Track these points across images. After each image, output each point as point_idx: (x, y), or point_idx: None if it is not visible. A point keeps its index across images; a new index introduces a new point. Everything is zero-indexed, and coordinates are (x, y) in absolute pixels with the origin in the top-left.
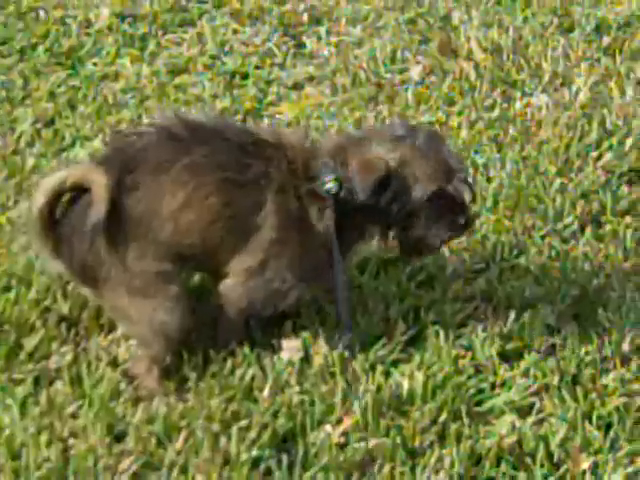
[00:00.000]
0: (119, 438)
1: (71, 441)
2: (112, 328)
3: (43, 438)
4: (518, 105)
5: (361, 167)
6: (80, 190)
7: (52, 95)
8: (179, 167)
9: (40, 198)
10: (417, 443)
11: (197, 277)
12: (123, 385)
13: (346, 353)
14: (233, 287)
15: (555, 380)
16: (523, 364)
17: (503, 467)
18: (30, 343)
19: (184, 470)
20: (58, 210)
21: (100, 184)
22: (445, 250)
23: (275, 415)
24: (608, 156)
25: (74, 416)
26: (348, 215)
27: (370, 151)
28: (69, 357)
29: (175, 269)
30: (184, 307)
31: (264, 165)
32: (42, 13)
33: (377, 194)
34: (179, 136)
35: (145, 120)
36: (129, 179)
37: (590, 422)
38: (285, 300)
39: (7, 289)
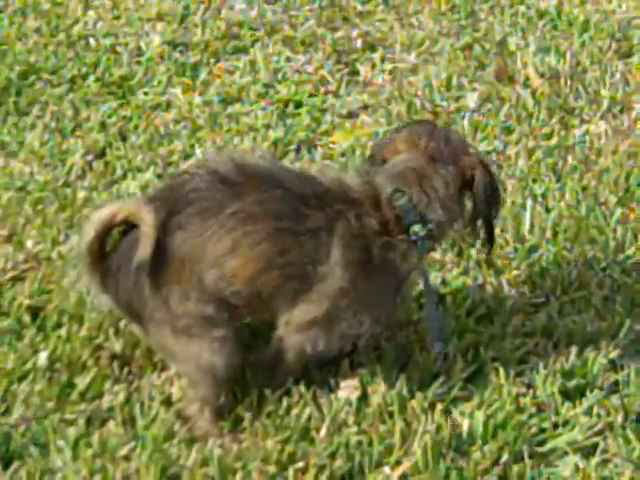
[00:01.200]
0: None
1: None
2: (165, 366)
3: None
4: (577, 133)
5: (485, 178)
6: (130, 225)
7: (103, 126)
8: (227, 213)
9: (90, 231)
10: None
11: None
12: (177, 426)
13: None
14: (295, 336)
15: (619, 419)
16: (586, 402)
17: None
18: (82, 382)
19: None
20: (108, 244)
21: (149, 223)
22: (504, 283)
23: (332, 456)
24: None
25: (127, 458)
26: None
27: (454, 164)
28: (122, 396)
29: (221, 313)
30: (232, 348)
31: (327, 217)
32: (92, 41)
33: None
34: (231, 180)
35: (197, 151)
36: (176, 220)
37: None
38: (353, 341)
39: (58, 326)
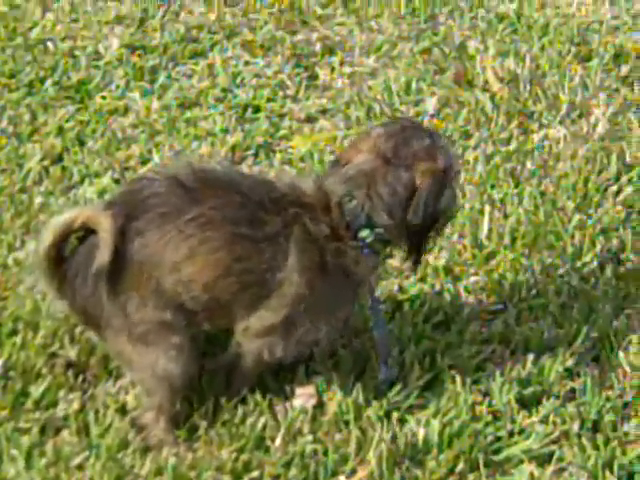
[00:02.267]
0: None
1: None
2: (120, 375)
3: None
4: (536, 138)
5: (430, 182)
6: (88, 231)
7: (60, 130)
8: (185, 219)
9: (48, 237)
10: None
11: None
12: (131, 434)
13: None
14: (253, 342)
15: (575, 427)
16: (542, 410)
17: None
18: (36, 390)
19: None
20: (66, 250)
21: (106, 228)
22: (461, 290)
23: (287, 465)
24: (628, 190)
25: (81, 467)
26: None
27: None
28: (76, 405)
29: (178, 320)
30: (189, 355)
31: (283, 222)
32: (50, 45)
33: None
34: (188, 186)
35: (155, 156)
36: (134, 225)
37: (611, 471)
38: (312, 346)
39: (13, 333)
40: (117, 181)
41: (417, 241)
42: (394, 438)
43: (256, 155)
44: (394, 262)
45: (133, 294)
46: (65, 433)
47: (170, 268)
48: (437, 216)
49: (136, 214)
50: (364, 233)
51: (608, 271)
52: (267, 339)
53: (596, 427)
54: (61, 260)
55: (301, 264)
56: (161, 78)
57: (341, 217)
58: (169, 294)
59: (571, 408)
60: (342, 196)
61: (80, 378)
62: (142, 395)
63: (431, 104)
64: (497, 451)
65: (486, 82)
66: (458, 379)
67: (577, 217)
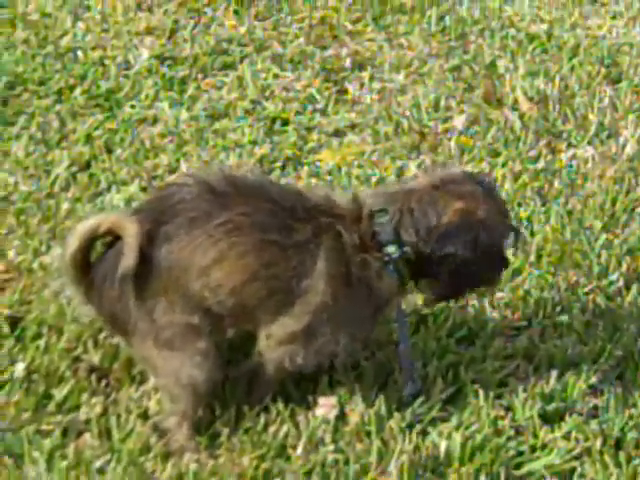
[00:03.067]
0: None
1: None
2: (143, 380)
3: None
4: (564, 157)
5: (461, 219)
6: (114, 236)
7: (89, 138)
8: (214, 224)
9: (74, 242)
10: None
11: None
12: (153, 440)
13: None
14: (276, 349)
15: (597, 444)
16: (564, 426)
17: None
18: (59, 394)
19: None
20: (93, 255)
21: (131, 233)
22: (486, 306)
23: (308, 474)
24: None
25: (102, 471)
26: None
27: (450, 201)
28: (98, 409)
29: (205, 324)
30: (213, 362)
31: (313, 230)
32: (80, 54)
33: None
34: (219, 191)
35: (183, 166)
36: (163, 230)
37: None
38: (331, 358)
39: (37, 337)
40: (144, 189)
41: (440, 276)
42: (416, 450)
43: (284, 167)
44: None
45: (160, 299)
46: (87, 436)
47: (198, 272)
48: (461, 260)
49: (165, 219)
50: (391, 249)
51: (634, 290)
52: (289, 347)
53: (619, 445)
54: (88, 265)
55: (328, 272)
56: (190, 89)
57: (369, 228)
58: (196, 299)
59: (594, 425)
60: (375, 209)
61: (103, 382)
62: (165, 400)
63: (460, 121)
64: (519, 466)
65: (515, 101)
66: (481, 393)
67: (604, 236)
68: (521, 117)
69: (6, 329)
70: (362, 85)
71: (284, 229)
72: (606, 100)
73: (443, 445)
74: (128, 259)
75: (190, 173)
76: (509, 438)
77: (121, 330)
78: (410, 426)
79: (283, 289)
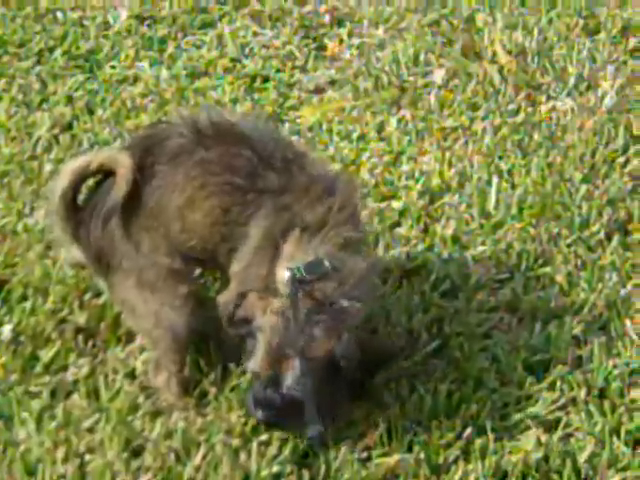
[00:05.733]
0: (137, 453)
1: (88, 457)
2: (130, 339)
3: (59, 453)
4: (543, 109)
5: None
6: (103, 174)
7: (69, 99)
8: (192, 162)
9: (64, 180)
10: (441, 459)
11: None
12: (141, 399)
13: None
14: (223, 296)
15: (582, 394)
16: (549, 377)
17: None
18: (46, 355)
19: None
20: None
21: (125, 165)
22: (469, 259)
23: None
24: (635, 162)
25: (91, 430)
26: None
27: None
28: (86, 369)
29: (187, 268)
30: (193, 309)
31: (278, 183)
32: (60, 15)
33: None
34: (204, 132)
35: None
36: (149, 166)
37: (618, 437)
38: None
39: (23, 299)
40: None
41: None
42: (402, 404)
43: None
44: (402, 230)
45: (145, 238)
46: (75, 397)
47: (174, 213)
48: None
49: (152, 155)
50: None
51: (615, 241)
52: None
53: (603, 394)
54: (76, 205)
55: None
56: (170, 48)
57: None
58: (176, 241)
59: (578, 375)
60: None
61: (90, 343)
62: (151, 358)
63: (439, 76)
64: (505, 417)
65: (494, 54)
66: (466, 346)
67: (584, 188)
68: (500, 70)
69: None
70: (341, 41)
71: (252, 175)
72: (584, 52)
73: (429, 398)
74: (119, 190)
75: (180, 113)
76: (494, 390)
77: (105, 269)
78: (396, 380)
79: (235, 235)
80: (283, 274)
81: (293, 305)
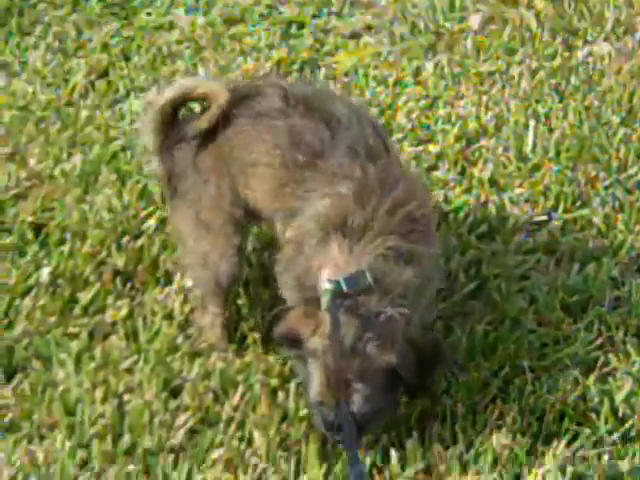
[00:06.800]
0: (175, 394)
1: (126, 397)
2: (168, 282)
3: (98, 394)
4: (580, 54)
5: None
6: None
7: (106, 46)
8: (269, 126)
9: (169, 94)
10: (478, 399)
11: None
12: (180, 340)
13: None
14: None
15: (620, 334)
16: (587, 318)
17: (566, 423)
18: (85, 297)
19: (241, 426)
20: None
21: (220, 102)
22: (506, 202)
23: None
24: None
25: (129, 371)
26: None
27: None
28: (124, 311)
29: (246, 221)
30: (239, 258)
31: (343, 173)
32: None
33: None
34: (291, 102)
35: (200, 71)
36: (234, 116)
37: None
38: None
39: (61, 243)
40: None
41: None
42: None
43: (301, 70)
44: (439, 173)
45: (213, 179)
46: (113, 338)
47: (241, 170)
48: None
49: (239, 107)
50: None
51: None
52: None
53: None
54: (171, 122)
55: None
56: None
57: None
58: (240, 195)
59: (616, 316)
60: None
61: (128, 285)
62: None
63: (476, 21)
64: (542, 357)
65: (531, 0)
66: (503, 287)
67: (622, 131)
68: (537, 15)
69: (30, 235)
70: None
71: (317, 155)
72: None
73: (465, 339)
74: (203, 122)
75: (277, 77)
76: (532, 330)
77: (172, 191)
78: (433, 321)
79: (291, 207)
80: (324, 282)
81: (334, 323)
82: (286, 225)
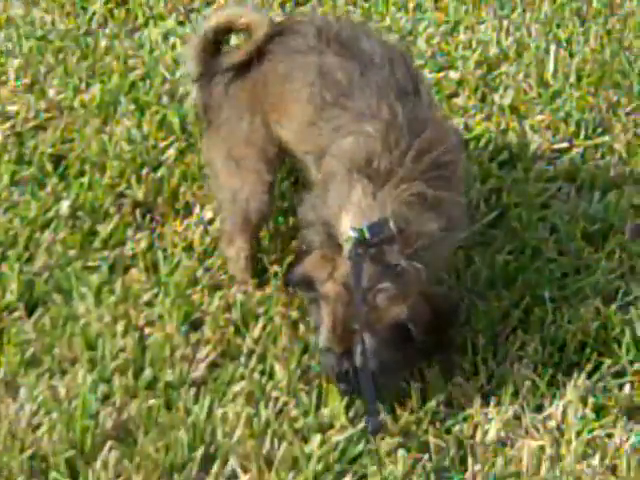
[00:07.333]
0: (196, 327)
1: (147, 330)
2: (188, 214)
3: (119, 327)
4: None
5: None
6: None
7: None
8: (301, 62)
9: (211, 22)
10: (499, 329)
11: None
12: (200, 272)
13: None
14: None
15: None
16: (608, 246)
17: (587, 352)
18: (104, 230)
19: (262, 359)
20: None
21: (260, 35)
22: (527, 128)
23: None
24: None
25: (150, 304)
26: None
27: None
28: (144, 244)
29: (278, 159)
30: (270, 198)
31: (371, 112)
32: None
33: None
34: (325, 39)
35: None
36: (269, 51)
37: None
38: None
39: (81, 174)
40: (181, 23)
41: None
42: (458, 275)
43: None
44: (459, 100)
45: (247, 116)
46: (134, 271)
47: (273, 106)
48: None
49: (274, 43)
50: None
51: None
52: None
53: None
54: (212, 50)
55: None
56: None
57: None
58: (273, 132)
59: (637, 244)
60: None
61: (147, 217)
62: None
63: None
64: (563, 287)
65: None
66: (524, 216)
67: None
68: None
69: (49, 167)
70: None
71: (345, 95)
72: None
73: (485, 269)
74: (241, 54)
75: (314, 14)
76: (552, 260)
77: (207, 122)
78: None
79: (320, 146)
80: (347, 228)
81: (356, 272)
82: (318, 167)
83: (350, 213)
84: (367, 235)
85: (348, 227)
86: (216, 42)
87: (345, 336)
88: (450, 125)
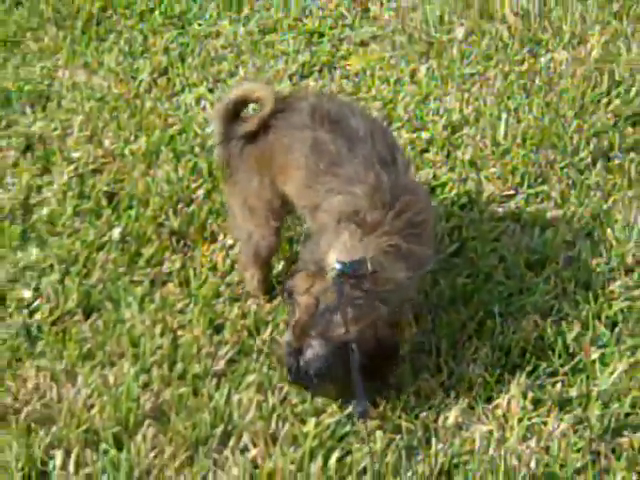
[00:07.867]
0: (218, 330)
1: (179, 332)
2: (213, 240)
3: (157, 330)
4: (543, 60)
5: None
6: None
7: (166, 50)
8: (300, 136)
9: (234, 93)
10: (458, 337)
11: None
12: (222, 287)
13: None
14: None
15: (571, 286)
16: (545, 273)
17: (528, 357)
18: (147, 252)
19: (270, 357)
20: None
21: (268, 110)
22: (482, 179)
23: None
24: (616, 102)
25: (182, 312)
26: None
27: None
28: (178, 264)
29: (283, 209)
30: (277, 239)
31: (358, 178)
32: None
33: None
34: (316, 116)
35: (241, 71)
36: (274, 123)
37: (600, 321)
38: None
39: (129, 208)
40: (210, 90)
41: None
42: (426, 295)
43: (320, 71)
44: (429, 155)
45: (256, 175)
46: (170, 285)
47: (278, 169)
48: None
49: (277, 118)
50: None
51: (599, 165)
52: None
53: (587, 286)
54: (232, 116)
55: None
56: (245, 9)
57: None
58: (279, 190)
59: (568, 272)
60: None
61: (181, 243)
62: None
63: (460, 32)
64: (509, 304)
65: (504, 16)
66: (479, 248)
67: (575, 122)
68: (509, 28)
69: (104, 202)
70: (382, 4)
71: (335, 164)
72: (577, 14)
73: (448, 291)
74: (252, 125)
75: (310, 92)
76: (501, 282)
77: (227, 176)
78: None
79: (315, 204)
80: (334, 260)
81: (338, 294)
82: (313, 219)
83: (337, 250)
84: (348, 269)
85: (334, 260)
86: (235, 111)
87: (301, 337)
88: (422, 188)
